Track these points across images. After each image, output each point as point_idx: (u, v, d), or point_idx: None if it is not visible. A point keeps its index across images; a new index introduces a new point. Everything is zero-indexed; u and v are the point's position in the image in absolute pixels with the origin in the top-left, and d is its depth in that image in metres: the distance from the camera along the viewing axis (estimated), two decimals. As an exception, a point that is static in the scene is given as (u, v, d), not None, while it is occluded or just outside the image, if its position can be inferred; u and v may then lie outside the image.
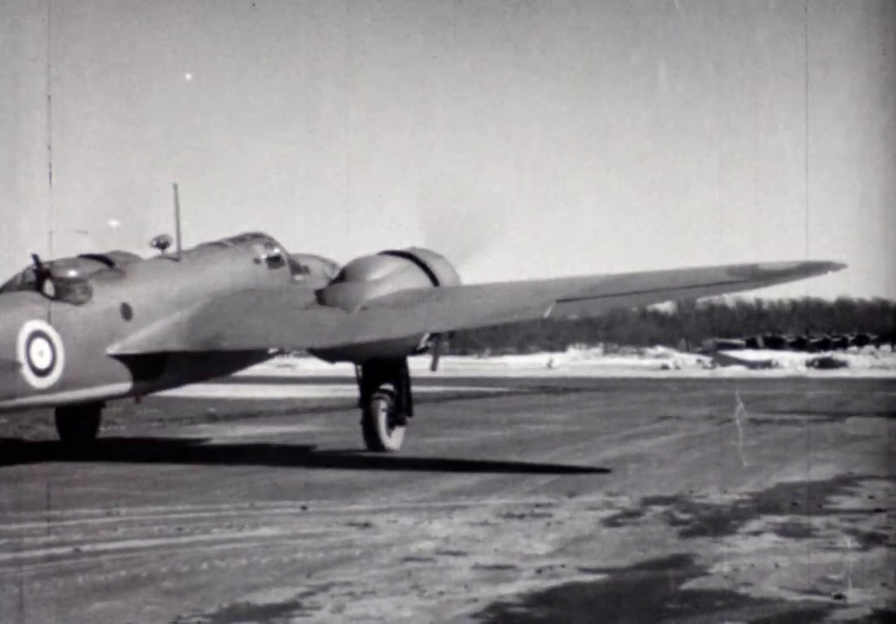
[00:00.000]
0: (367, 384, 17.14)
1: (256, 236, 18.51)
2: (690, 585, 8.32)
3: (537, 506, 11.83)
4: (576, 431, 21.36)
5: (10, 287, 15.79)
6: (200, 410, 26.87)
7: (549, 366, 67.53)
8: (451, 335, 18.97)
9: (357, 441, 17.45)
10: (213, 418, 24.67)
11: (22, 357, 14.57)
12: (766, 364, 58.59)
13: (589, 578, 8.53)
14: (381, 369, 17.06)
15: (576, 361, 72.66)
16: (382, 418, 16.94)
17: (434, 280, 17.19)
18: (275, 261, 18.28)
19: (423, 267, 17.23)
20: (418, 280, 17.04)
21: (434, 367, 17.74)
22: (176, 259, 17.35)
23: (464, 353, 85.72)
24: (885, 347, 75.10)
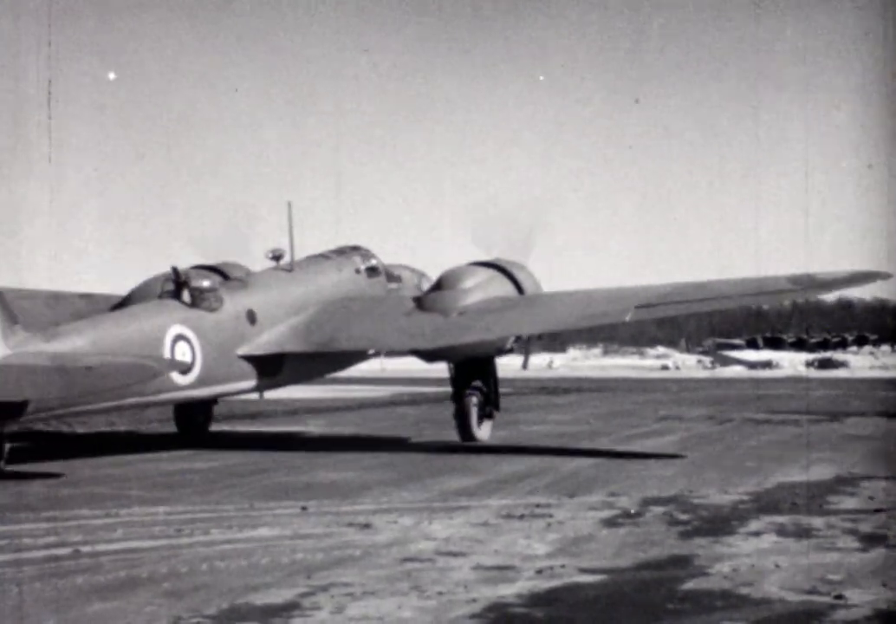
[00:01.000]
0: (459, 381, 18.85)
1: (355, 249, 20.58)
2: (690, 585, 8.32)
3: (537, 506, 11.83)
4: (576, 431, 21.37)
5: (142, 293, 17.84)
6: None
7: (549, 366, 67.58)
8: (539, 337, 20.96)
9: (361, 440, 17.51)
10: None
11: (167, 357, 16.57)
12: (766, 364, 58.62)
13: (589, 578, 8.53)
14: (473, 368, 18.79)
15: (576, 362, 72.71)
16: (474, 412, 18.62)
17: (518, 288, 18.91)
18: (372, 271, 20.32)
19: (509, 276, 18.94)
20: (505, 288, 18.79)
21: (525, 365, 20.91)
22: (289, 270, 19.32)
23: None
24: (885, 348, 75.11)
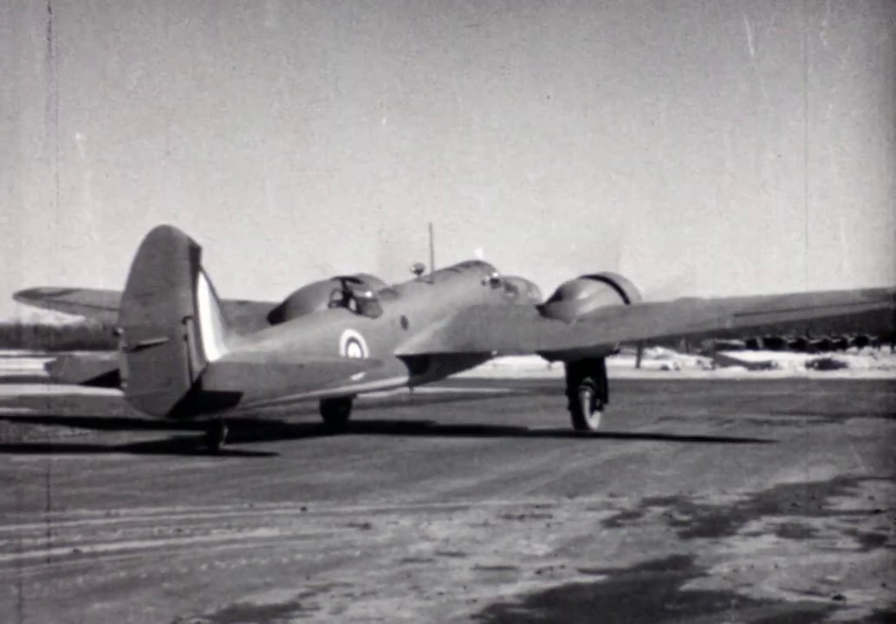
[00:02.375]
0: (574, 378, 21.68)
1: (479, 263, 23.73)
2: (690, 585, 8.32)
3: (537, 507, 11.83)
4: (576, 431, 21.36)
5: (299, 300, 20.51)
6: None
7: (550, 367, 67.39)
8: (649, 341, 24.60)
9: (360, 440, 17.50)
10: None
11: (360, 357, 19.66)
12: (766, 365, 58.56)
13: (589, 578, 8.54)
14: (586, 367, 21.67)
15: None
16: (586, 404, 21.48)
17: (624, 298, 21.84)
18: (494, 282, 23.43)
19: (616, 287, 21.87)
20: (613, 298, 21.72)
21: (638, 365, 24.56)
22: (430, 282, 22.33)
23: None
24: (885, 348, 75.07)
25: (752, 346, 74.62)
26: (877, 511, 11.63)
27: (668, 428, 22.23)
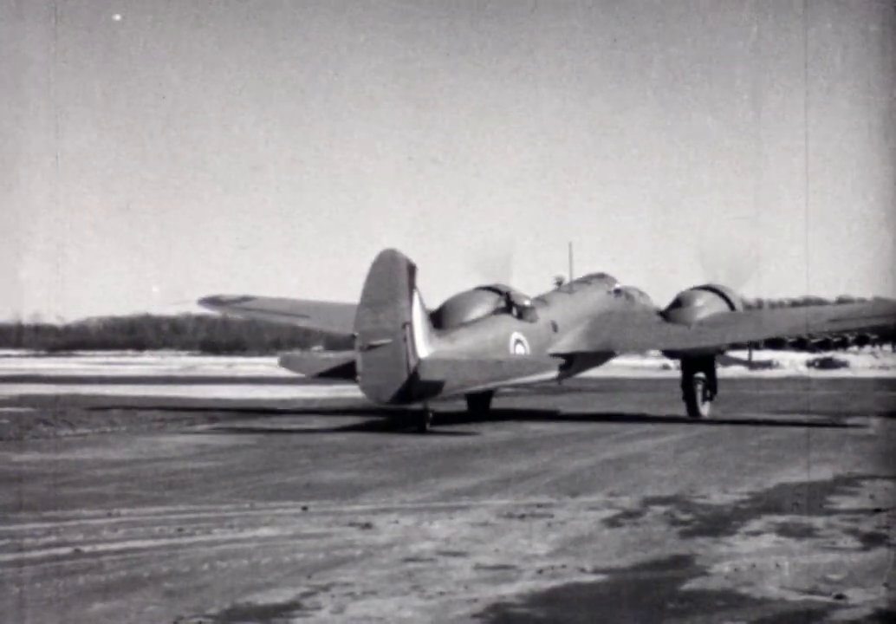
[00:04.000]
0: (688, 372, 25.20)
1: (602, 275, 27.39)
2: (691, 585, 8.32)
3: (538, 506, 11.84)
4: (576, 431, 21.37)
5: (456, 304, 23.78)
6: (201, 409, 26.87)
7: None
8: (756, 344, 28.64)
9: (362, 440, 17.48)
10: (213, 418, 24.67)
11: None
12: (767, 364, 58.51)
13: (590, 578, 8.54)
14: (698, 363, 25.26)
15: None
16: (699, 395, 24.87)
17: (731, 305, 25.63)
18: (617, 292, 27.11)
19: (723, 297, 25.59)
20: (722, 306, 25.52)
21: (750, 363, 30.46)
22: (570, 292, 26.15)
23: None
24: (886, 348, 75.00)
25: (752, 344, 74.46)
26: (878, 510, 11.63)
27: (669, 427, 22.24)
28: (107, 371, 57.89)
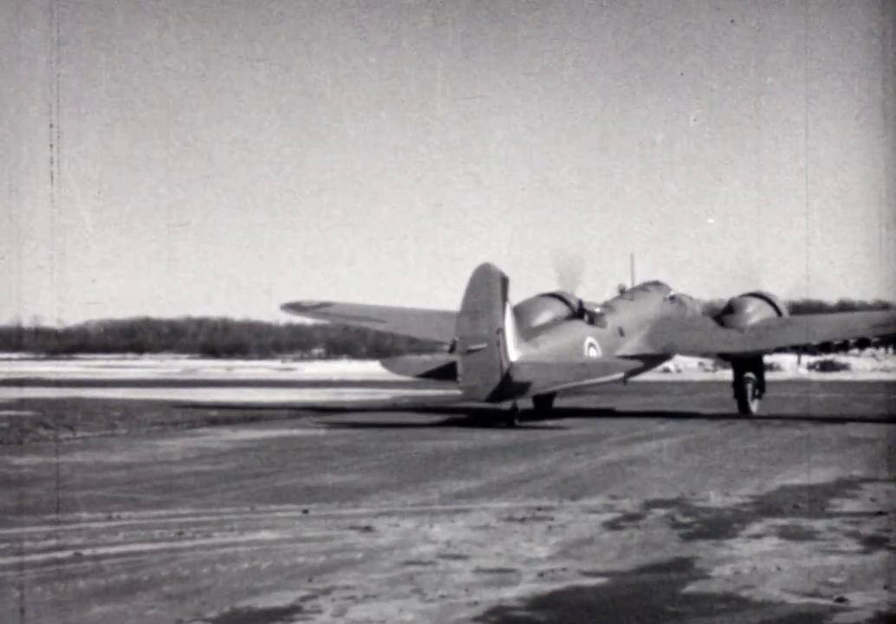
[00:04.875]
0: (739, 372, 27.50)
1: (658, 283, 29.72)
2: (692, 588, 8.31)
3: (539, 509, 11.83)
4: (578, 433, 21.36)
5: (526, 308, 26.25)
6: (200, 413, 26.86)
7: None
8: (805, 347, 30.50)
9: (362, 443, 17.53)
10: (213, 422, 24.67)
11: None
12: (767, 367, 58.38)
13: (590, 581, 8.53)
14: (748, 363, 27.56)
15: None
16: (749, 393, 27.11)
17: (777, 311, 27.86)
18: (672, 299, 29.36)
19: (770, 303, 27.84)
20: (770, 312, 27.73)
21: (799, 362, 33.43)
22: (632, 299, 28.42)
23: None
24: (888, 350, 74.92)
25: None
26: (879, 513, 11.61)
27: (670, 429, 22.22)
28: (107, 374, 57.89)
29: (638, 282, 29.74)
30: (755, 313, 27.44)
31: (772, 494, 13.10)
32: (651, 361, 28.32)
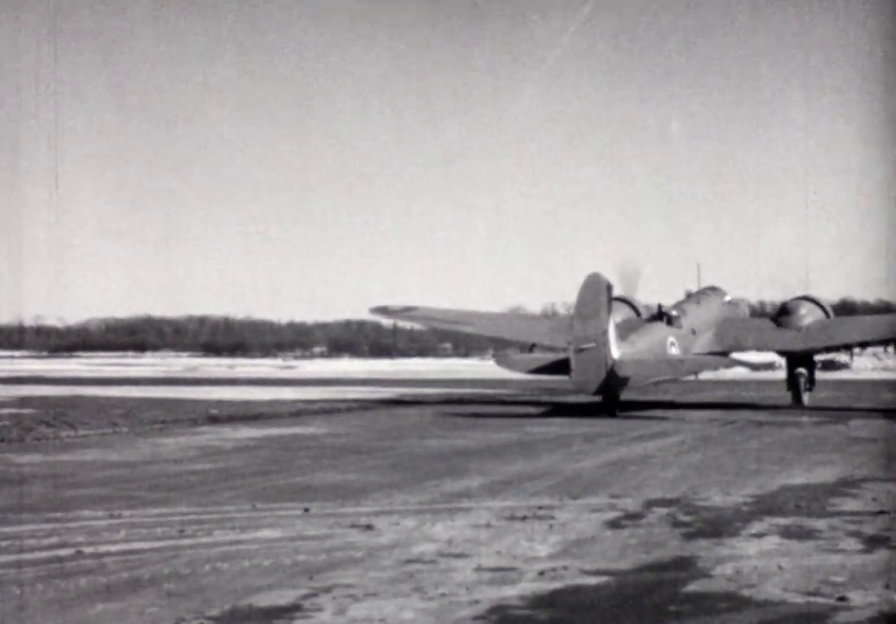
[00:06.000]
0: (792, 367, 30.98)
1: (715, 288, 33.17)
2: (693, 587, 8.31)
3: (540, 508, 11.82)
4: (579, 433, 21.37)
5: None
6: (202, 411, 26.87)
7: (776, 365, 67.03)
8: (848, 347, 33.21)
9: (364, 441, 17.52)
10: (214, 420, 24.67)
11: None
12: (769, 366, 58.39)
13: (591, 580, 8.53)
14: (800, 359, 30.84)
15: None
16: (802, 386, 30.46)
17: (826, 313, 31.48)
18: (729, 302, 32.83)
19: (819, 305, 31.44)
20: (819, 314, 31.33)
21: (850, 365, 35.92)
22: (698, 303, 31.82)
23: (466, 354, 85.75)
24: (889, 350, 74.82)
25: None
26: (880, 512, 11.61)
27: (671, 429, 22.22)
28: (108, 372, 57.88)
29: (698, 287, 33.53)
30: (808, 315, 31.02)
31: (773, 493, 13.10)
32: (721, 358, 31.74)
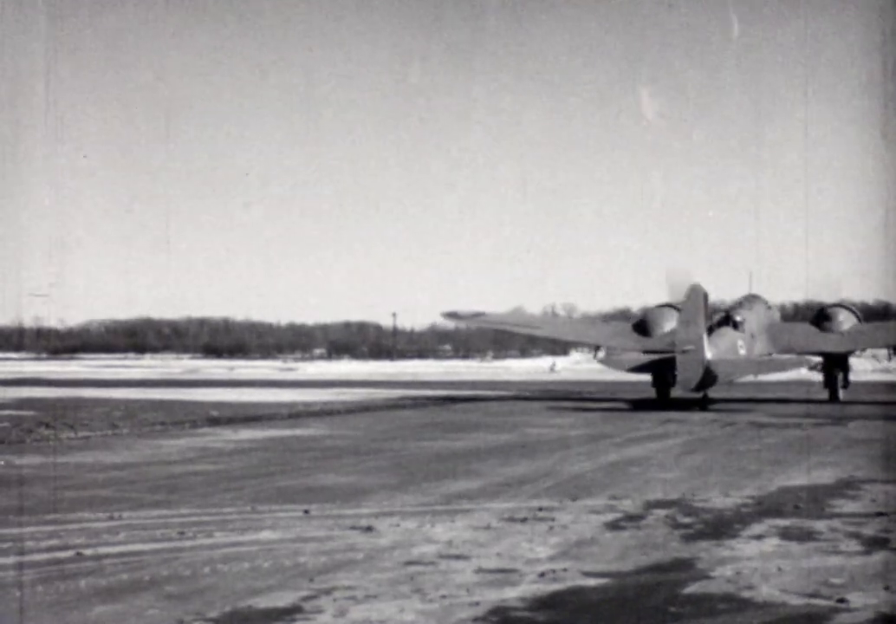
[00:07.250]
0: (829, 366, 34.34)
1: (757, 296, 36.02)
2: (693, 588, 8.32)
3: (540, 509, 11.83)
4: (579, 434, 21.37)
5: (654, 315, 34.86)
6: (202, 412, 26.88)
7: (552, 369, 67.55)
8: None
9: (364, 443, 17.51)
10: (214, 421, 24.68)
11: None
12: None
13: (591, 581, 8.53)
14: (837, 360, 34.26)
15: (578, 365, 72.61)
16: (839, 384, 33.87)
17: (858, 319, 35.09)
18: (769, 308, 35.94)
19: (853, 312, 35.10)
20: (853, 319, 35.00)
21: (889, 360, 36.53)
22: (750, 309, 34.54)
23: (466, 356, 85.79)
24: (888, 352, 74.71)
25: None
26: (879, 514, 11.62)
27: (671, 430, 22.23)
28: (108, 374, 57.87)
29: (741, 294, 36.68)
30: (846, 321, 34.69)
31: (772, 494, 13.11)
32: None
